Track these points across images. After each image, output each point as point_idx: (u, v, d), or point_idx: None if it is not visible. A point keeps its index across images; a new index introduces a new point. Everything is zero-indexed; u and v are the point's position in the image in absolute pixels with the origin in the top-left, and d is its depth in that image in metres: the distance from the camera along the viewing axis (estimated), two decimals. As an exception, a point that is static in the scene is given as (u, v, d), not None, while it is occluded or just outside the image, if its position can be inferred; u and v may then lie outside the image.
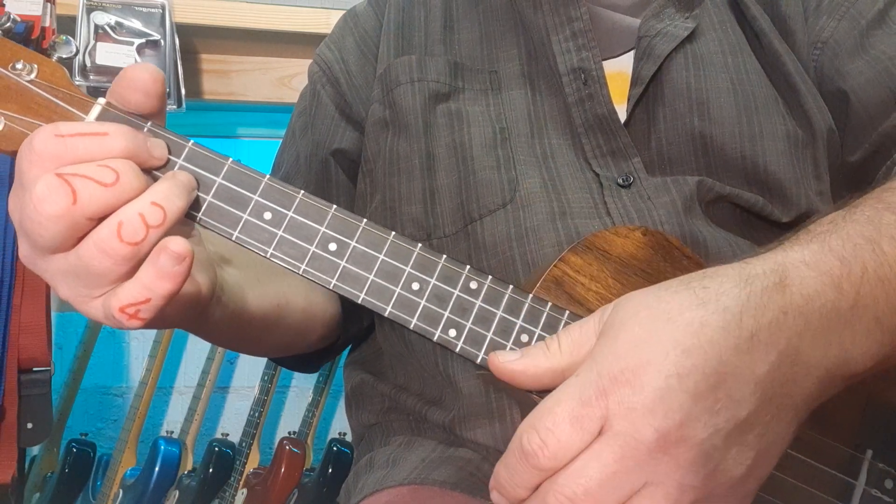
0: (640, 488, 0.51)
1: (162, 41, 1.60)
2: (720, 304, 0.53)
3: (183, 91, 1.62)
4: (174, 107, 1.59)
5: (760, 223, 0.87)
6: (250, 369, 2.26)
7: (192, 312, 0.63)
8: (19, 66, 0.59)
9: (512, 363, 0.58)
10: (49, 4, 1.40)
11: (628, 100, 0.87)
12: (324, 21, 1.69)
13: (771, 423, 0.54)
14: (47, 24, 1.40)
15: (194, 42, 1.77)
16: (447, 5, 0.97)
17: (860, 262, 0.58)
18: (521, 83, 0.90)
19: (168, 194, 0.55)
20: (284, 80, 1.87)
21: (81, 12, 1.53)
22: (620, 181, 0.84)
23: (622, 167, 0.85)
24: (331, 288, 0.62)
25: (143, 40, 1.57)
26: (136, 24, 1.58)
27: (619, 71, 0.89)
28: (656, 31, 0.88)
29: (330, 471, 2.01)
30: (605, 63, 0.89)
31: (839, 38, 0.89)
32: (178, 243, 0.53)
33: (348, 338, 1.02)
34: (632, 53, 0.89)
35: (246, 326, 0.77)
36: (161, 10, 1.60)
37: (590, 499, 0.50)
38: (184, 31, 1.65)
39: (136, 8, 1.59)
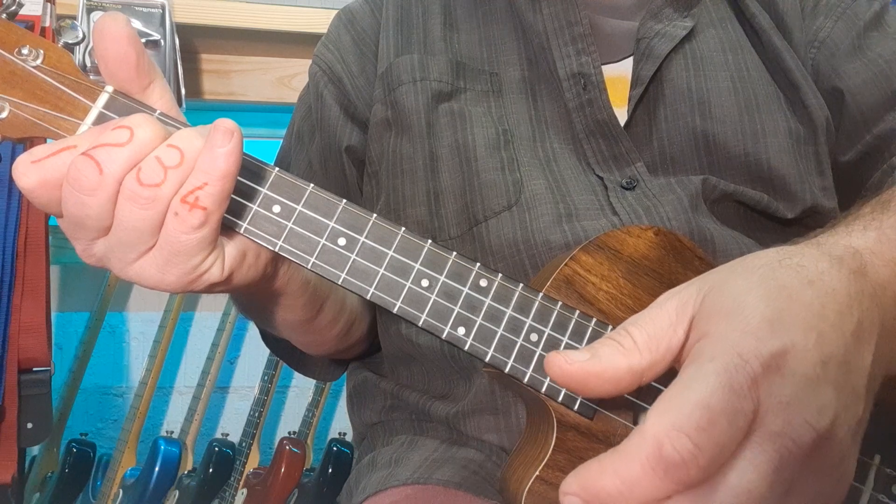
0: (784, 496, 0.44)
1: (162, 41, 1.60)
2: (827, 286, 0.48)
3: (183, 91, 1.63)
4: (174, 107, 1.59)
5: (765, 221, 0.87)
6: (250, 369, 2.26)
7: (254, 272, 0.65)
8: (25, 51, 0.59)
9: (586, 364, 0.49)
10: (49, 4, 1.40)
11: (629, 101, 0.88)
12: (324, 21, 1.68)
13: (867, 418, 0.49)
14: (47, 24, 1.40)
15: (194, 42, 1.77)
16: (446, 3, 0.97)
17: None
18: (522, 88, 0.90)
19: (184, 136, 0.57)
20: (284, 80, 1.87)
21: (81, 12, 1.53)
22: (624, 184, 0.84)
23: (625, 171, 0.86)
24: (340, 283, 0.62)
25: (143, 40, 1.56)
26: (136, 24, 1.58)
27: (619, 75, 0.89)
28: (655, 33, 0.89)
29: (330, 471, 2.01)
30: (605, 68, 0.89)
31: (836, 38, 0.90)
32: (226, 121, 0.55)
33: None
34: (632, 58, 0.89)
35: (320, 302, 0.81)
36: (161, 10, 1.60)
37: None
38: (184, 31, 1.65)
39: (136, 8, 1.59)
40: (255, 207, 0.61)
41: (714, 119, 0.86)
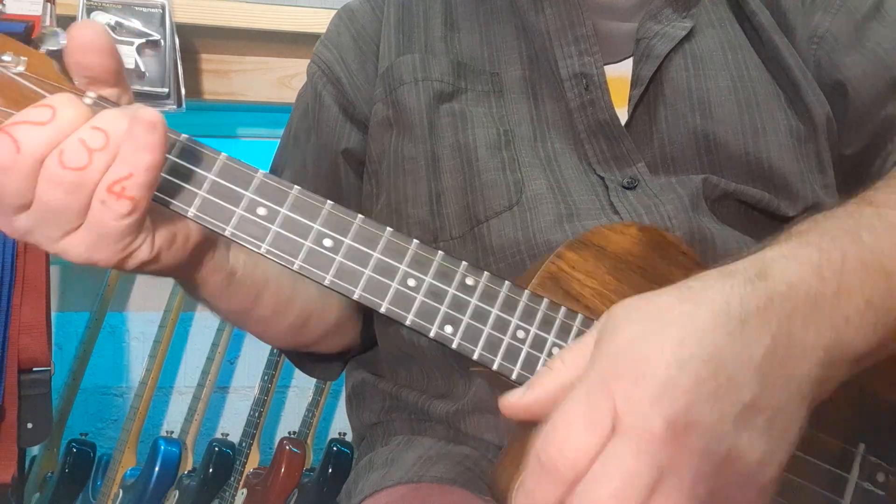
0: (658, 481, 0.49)
1: (162, 41, 1.60)
2: (706, 297, 0.53)
3: (183, 91, 1.63)
4: (174, 107, 1.59)
5: (766, 219, 0.87)
6: (250, 369, 2.26)
7: (182, 253, 0.65)
8: (7, 58, 0.59)
9: (523, 399, 0.56)
10: (49, 4, 1.40)
11: (629, 101, 0.88)
12: (324, 21, 1.66)
13: (779, 408, 0.53)
14: (47, 24, 1.40)
15: (194, 42, 1.77)
16: (447, 2, 0.97)
17: (839, 250, 0.59)
18: (523, 87, 0.90)
19: (109, 117, 0.56)
20: (284, 80, 1.87)
21: (81, 12, 1.53)
22: (625, 183, 0.85)
23: (626, 171, 0.86)
24: (326, 284, 0.62)
25: (143, 40, 1.57)
26: (136, 24, 1.58)
27: (619, 76, 0.89)
28: (654, 33, 0.88)
29: (330, 471, 2.01)
30: (606, 69, 0.89)
31: (835, 32, 0.90)
32: (147, 112, 0.55)
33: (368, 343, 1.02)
34: (632, 59, 0.89)
35: (253, 293, 0.80)
36: (161, 10, 1.60)
37: (616, 502, 0.49)
38: (184, 31, 1.65)
39: (136, 8, 1.59)
40: (239, 211, 0.61)
41: (714, 118, 0.86)
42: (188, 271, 0.70)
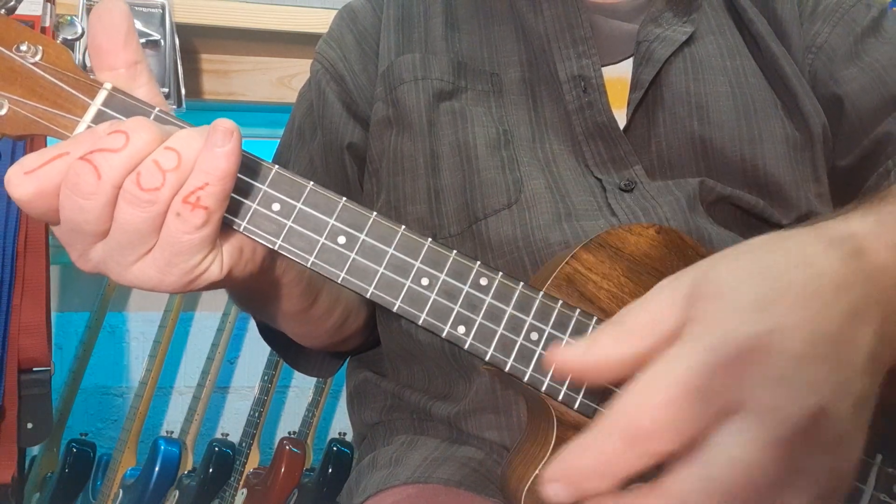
0: (786, 481, 0.43)
1: (162, 41, 1.59)
2: (816, 268, 0.48)
3: (183, 91, 1.62)
4: (174, 107, 1.59)
5: (761, 225, 0.87)
6: (250, 369, 2.26)
7: (252, 266, 0.65)
8: (24, 47, 0.59)
9: (585, 357, 0.48)
10: (49, 4, 1.40)
11: (628, 104, 0.88)
12: (324, 21, 1.68)
13: (869, 395, 0.48)
14: (47, 24, 1.40)
15: (194, 42, 1.77)
16: (447, 3, 0.97)
17: None
18: (522, 89, 0.90)
19: (182, 137, 0.57)
20: (284, 80, 1.87)
21: (81, 12, 1.52)
22: (622, 186, 0.85)
23: (623, 174, 0.86)
24: (339, 282, 0.61)
25: (143, 40, 1.57)
26: (136, 24, 1.57)
27: (618, 77, 0.89)
28: (655, 36, 0.89)
29: (330, 471, 2.01)
30: (605, 69, 0.89)
31: (833, 43, 0.91)
32: (224, 121, 0.56)
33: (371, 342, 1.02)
34: (631, 59, 0.90)
35: (315, 292, 0.81)
36: (161, 10, 1.60)
37: (747, 494, 0.42)
38: (184, 31, 1.65)
39: (136, 8, 1.58)
40: (254, 206, 0.61)
41: (712, 124, 0.86)
42: (261, 277, 0.70)
